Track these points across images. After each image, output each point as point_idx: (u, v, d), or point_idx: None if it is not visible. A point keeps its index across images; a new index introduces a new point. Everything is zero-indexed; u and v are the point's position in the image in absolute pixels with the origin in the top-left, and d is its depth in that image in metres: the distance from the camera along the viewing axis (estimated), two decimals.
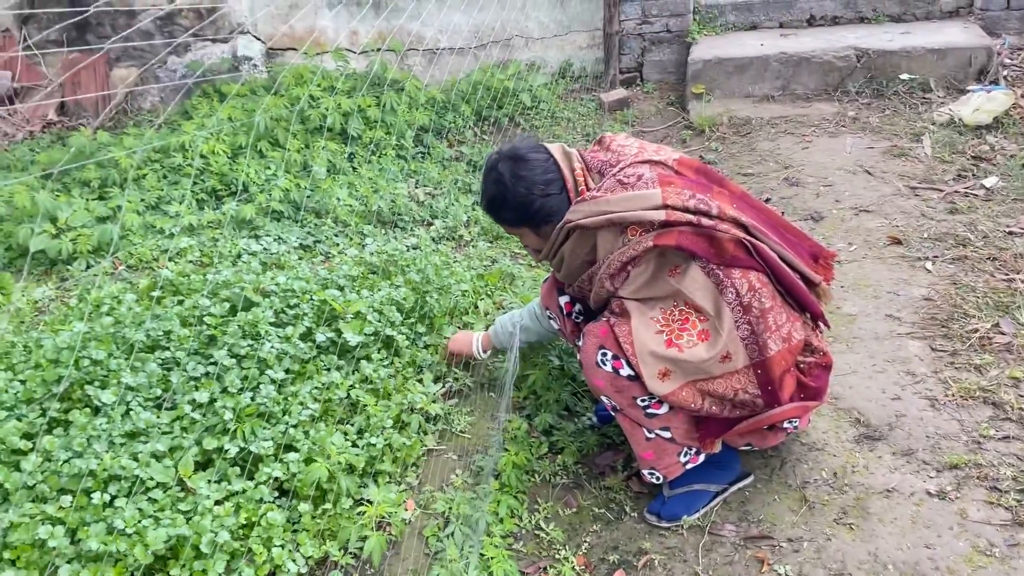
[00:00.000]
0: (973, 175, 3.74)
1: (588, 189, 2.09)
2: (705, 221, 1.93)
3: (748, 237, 1.95)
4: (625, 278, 2.01)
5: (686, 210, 1.93)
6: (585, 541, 2.16)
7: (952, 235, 3.27)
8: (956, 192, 3.62)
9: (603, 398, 2.10)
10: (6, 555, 1.84)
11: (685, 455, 2.12)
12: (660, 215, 1.93)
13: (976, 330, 2.69)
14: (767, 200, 3.82)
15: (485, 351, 2.73)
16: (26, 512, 1.89)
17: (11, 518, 1.87)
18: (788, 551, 2.04)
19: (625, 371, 1.99)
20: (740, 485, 2.25)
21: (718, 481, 2.22)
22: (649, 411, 2.04)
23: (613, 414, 2.16)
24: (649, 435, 2.09)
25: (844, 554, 2.00)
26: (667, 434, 2.08)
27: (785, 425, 2.11)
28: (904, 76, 4.71)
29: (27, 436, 2.14)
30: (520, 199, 2.09)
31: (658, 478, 2.16)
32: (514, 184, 2.09)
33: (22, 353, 2.52)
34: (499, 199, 2.13)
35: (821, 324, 2.11)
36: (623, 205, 1.97)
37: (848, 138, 4.33)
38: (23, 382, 2.33)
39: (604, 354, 2.01)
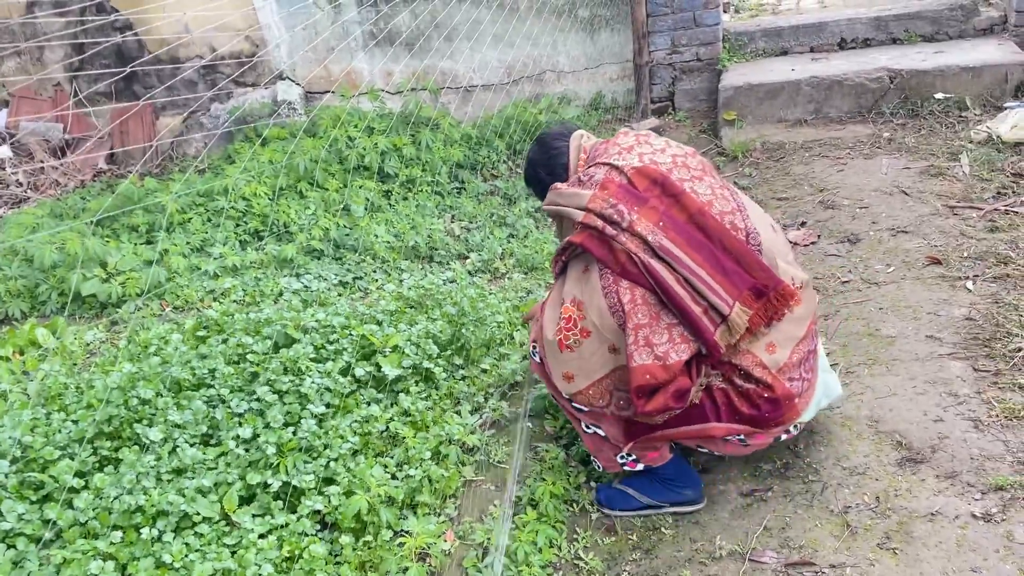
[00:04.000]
0: (1013, 192, 3.69)
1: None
2: (608, 230, 2.03)
3: (642, 254, 1.99)
4: (562, 268, 2.20)
5: (600, 216, 2.05)
6: (624, 570, 2.16)
7: (993, 253, 3.23)
8: (996, 210, 3.57)
9: None
10: None
11: (623, 458, 2.25)
12: (579, 215, 2.09)
13: (1020, 349, 2.64)
14: (803, 224, 3.81)
15: None
16: (78, 548, 1.96)
17: (65, 554, 1.93)
18: None
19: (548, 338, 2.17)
20: (684, 509, 2.31)
21: (655, 496, 2.31)
22: (574, 404, 2.19)
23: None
24: (586, 429, 2.25)
25: None
26: (600, 431, 2.22)
27: (729, 438, 2.16)
28: (939, 95, 4.67)
29: (79, 474, 2.21)
30: (533, 178, 2.40)
31: (599, 467, 2.34)
32: (530, 164, 2.40)
33: (74, 394, 2.61)
34: (525, 175, 2.46)
35: (714, 352, 2.01)
36: (566, 200, 2.16)
37: (884, 159, 4.30)
38: (75, 422, 2.41)
39: (534, 346, 2.27)
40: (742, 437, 2.15)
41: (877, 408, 2.53)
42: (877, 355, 2.78)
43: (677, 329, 1.99)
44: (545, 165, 2.34)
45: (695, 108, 5.58)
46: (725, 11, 6.05)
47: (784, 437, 2.23)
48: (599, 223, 2.03)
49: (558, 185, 2.22)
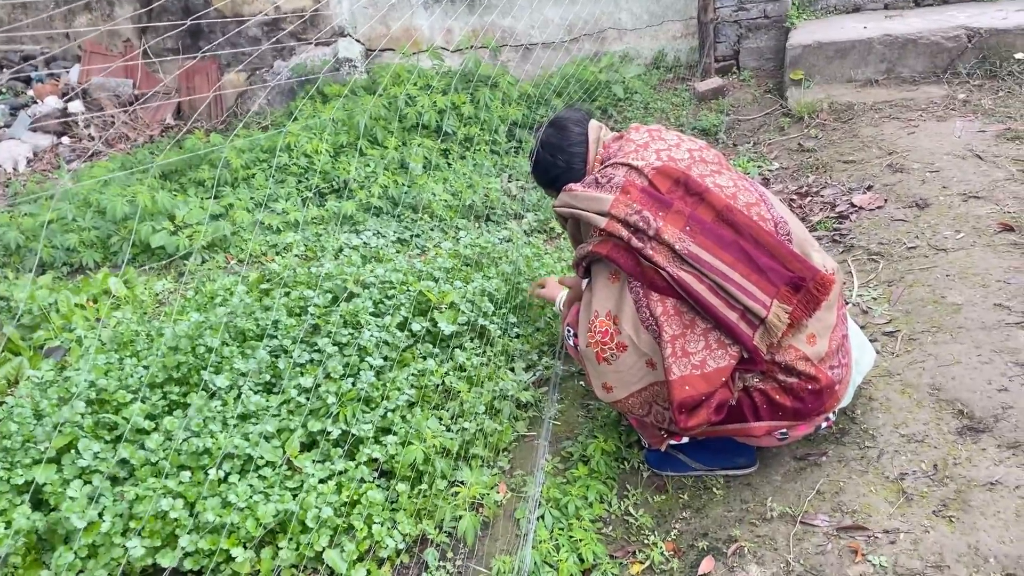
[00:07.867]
0: None
1: (589, 174, 2.19)
2: (635, 242, 1.95)
3: (669, 268, 1.92)
4: (586, 271, 2.14)
5: (625, 223, 1.97)
6: (674, 528, 2.18)
7: None
8: None
9: None
10: (132, 525, 2.01)
11: (668, 433, 2.21)
12: (602, 222, 2.00)
13: None
14: (869, 188, 3.71)
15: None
16: (149, 486, 2.06)
17: (137, 491, 2.03)
18: (883, 542, 2.00)
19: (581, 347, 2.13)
20: (736, 473, 2.30)
21: (706, 462, 2.31)
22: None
23: None
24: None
25: (942, 546, 1.95)
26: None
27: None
28: (1020, 56, 4.47)
29: (150, 417, 2.32)
30: (547, 163, 2.27)
31: (645, 444, 2.36)
32: (546, 148, 2.26)
33: (145, 341, 2.72)
34: (536, 159, 2.31)
35: (755, 356, 1.96)
36: (584, 203, 2.06)
37: (957, 122, 4.15)
38: (146, 367, 2.52)
39: (568, 330, 2.24)
40: (784, 432, 2.12)
41: (939, 376, 2.48)
42: (942, 322, 2.72)
43: (713, 335, 1.95)
44: (563, 151, 2.22)
45: (760, 67, 5.44)
46: None
47: (824, 426, 2.22)
48: (624, 233, 1.96)
49: (573, 186, 2.12)
